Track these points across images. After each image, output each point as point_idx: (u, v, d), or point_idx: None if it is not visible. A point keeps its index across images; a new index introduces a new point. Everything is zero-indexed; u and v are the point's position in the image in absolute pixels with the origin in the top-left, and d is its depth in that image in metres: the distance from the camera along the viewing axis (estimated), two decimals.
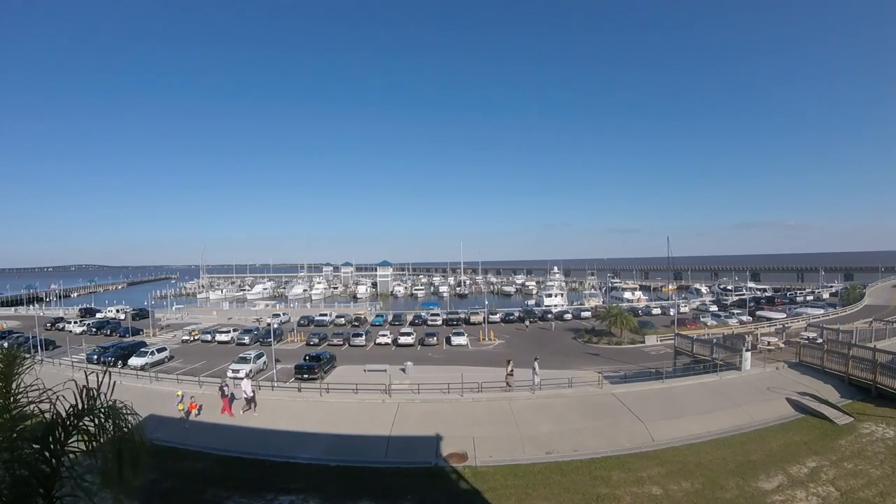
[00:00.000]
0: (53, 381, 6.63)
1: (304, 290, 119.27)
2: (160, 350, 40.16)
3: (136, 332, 54.51)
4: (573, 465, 16.76)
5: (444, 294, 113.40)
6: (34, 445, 6.06)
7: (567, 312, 65.42)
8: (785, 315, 56.83)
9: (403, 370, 33.39)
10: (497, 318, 61.58)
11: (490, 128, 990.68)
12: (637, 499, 14.21)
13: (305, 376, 30.58)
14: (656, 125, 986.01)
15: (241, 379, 26.62)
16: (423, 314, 63.96)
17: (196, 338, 50.55)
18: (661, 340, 44.48)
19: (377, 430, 20.08)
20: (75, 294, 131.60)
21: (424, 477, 16.52)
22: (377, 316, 65.85)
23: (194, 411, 22.31)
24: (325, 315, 64.90)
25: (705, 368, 26.82)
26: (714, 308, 65.05)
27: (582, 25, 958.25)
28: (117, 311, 74.37)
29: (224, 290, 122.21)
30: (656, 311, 67.32)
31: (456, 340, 46.60)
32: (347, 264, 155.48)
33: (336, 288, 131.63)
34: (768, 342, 36.58)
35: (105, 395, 6.53)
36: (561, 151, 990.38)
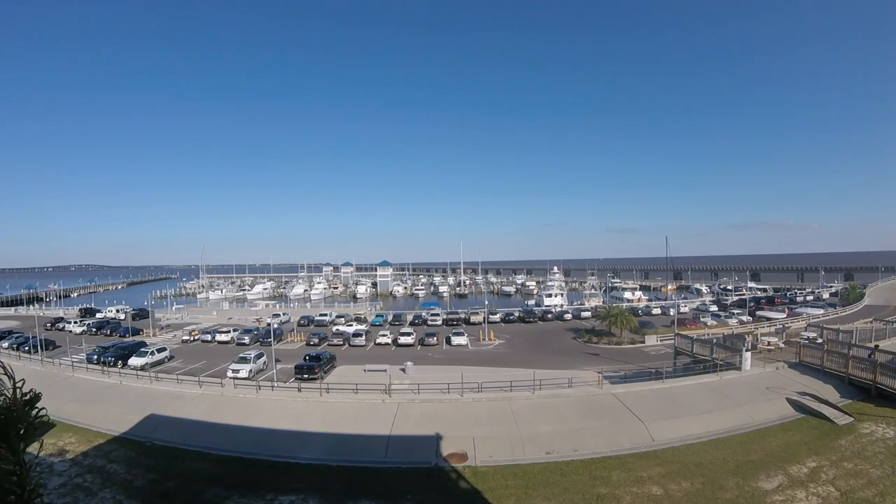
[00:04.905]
0: None
1: (305, 290, 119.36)
2: (160, 350, 40.14)
3: (136, 332, 54.51)
4: (573, 465, 16.77)
5: (444, 294, 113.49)
6: None
7: (567, 312, 65.41)
8: (785, 315, 56.88)
9: (403, 370, 33.39)
10: (497, 318, 61.63)
11: (489, 128, 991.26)
12: (637, 499, 14.21)
13: (305, 376, 30.57)
14: (654, 125, 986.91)
15: (242, 378, 26.40)
16: (423, 314, 63.96)
17: (196, 338, 50.57)
18: (661, 340, 44.49)
19: (377, 430, 20.09)
20: (75, 294, 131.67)
21: (424, 477, 16.53)
22: (377, 316, 65.86)
23: None
24: (325, 315, 64.94)
25: (705, 368, 26.81)
26: (714, 308, 65.06)
27: (580, 26, 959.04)
28: (117, 311, 74.34)
29: (224, 290, 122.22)
30: (656, 311, 67.32)
31: (456, 340, 46.61)
32: (347, 264, 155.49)
33: (336, 288, 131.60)
34: (768, 342, 36.58)
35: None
36: (558, 151, 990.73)
